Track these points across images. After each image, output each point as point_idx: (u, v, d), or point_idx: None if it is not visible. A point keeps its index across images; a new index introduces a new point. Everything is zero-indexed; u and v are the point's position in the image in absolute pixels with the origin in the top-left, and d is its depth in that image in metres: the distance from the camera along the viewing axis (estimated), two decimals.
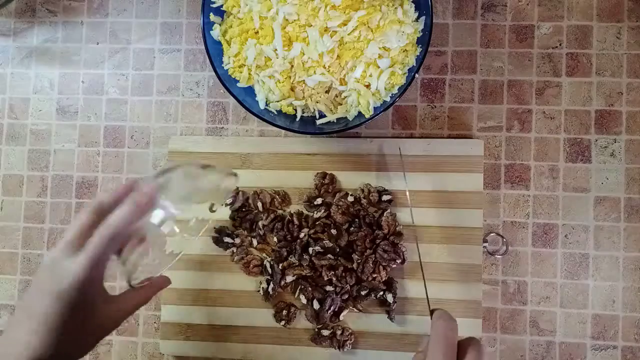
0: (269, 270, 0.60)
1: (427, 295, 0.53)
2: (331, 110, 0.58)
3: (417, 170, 0.60)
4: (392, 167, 0.61)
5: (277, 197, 0.61)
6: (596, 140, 0.60)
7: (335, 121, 0.58)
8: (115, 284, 0.64)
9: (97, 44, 0.66)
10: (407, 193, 0.59)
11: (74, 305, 0.41)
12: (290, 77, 0.57)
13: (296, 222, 0.60)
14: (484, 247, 0.60)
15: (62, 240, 0.42)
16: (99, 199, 0.44)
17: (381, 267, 0.58)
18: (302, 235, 0.60)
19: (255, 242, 0.61)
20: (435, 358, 0.41)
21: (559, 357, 0.59)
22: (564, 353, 0.59)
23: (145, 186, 0.44)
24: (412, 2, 0.56)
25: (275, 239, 0.61)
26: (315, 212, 0.60)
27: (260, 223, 0.61)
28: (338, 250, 0.59)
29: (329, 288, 0.59)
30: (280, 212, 0.62)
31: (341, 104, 0.58)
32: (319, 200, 0.60)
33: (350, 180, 0.61)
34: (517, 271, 0.60)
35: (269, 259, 0.61)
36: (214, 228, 0.62)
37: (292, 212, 0.61)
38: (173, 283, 0.61)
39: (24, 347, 0.40)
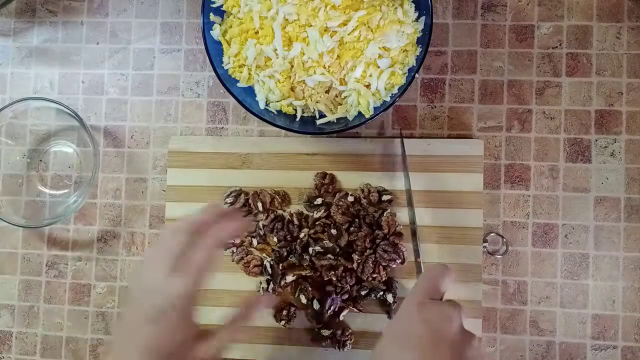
0: (269, 270, 0.60)
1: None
2: (331, 110, 0.58)
3: (417, 170, 0.60)
4: (392, 166, 0.61)
5: (277, 197, 0.61)
6: (596, 140, 0.60)
7: (335, 121, 0.57)
8: None
9: (97, 44, 0.66)
10: (409, 191, 0.59)
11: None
12: (290, 77, 0.56)
13: (296, 222, 0.60)
14: (484, 247, 0.60)
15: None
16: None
17: (381, 267, 0.58)
18: (302, 235, 0.60)
19: (255, 242, 0.61)
20: (416, 290, 0.45)
21: (559, 357, 0.59)
22: (564, 353, 0.59)
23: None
24: (412, 2, 0.56)
25: (275, 239, 0.61)
26: (315, 212, 0.60)
27: (260, 223, 0.61)
28: (338, 250, 0.59)
29: (329, 288, 0.59)
30: (280, 212, 0.62)
31: (341, 104, 0.58)
32: (319, 200, 0.60)
33: (350, 180, 0.61)
34: (517, 271, 0.60)
35: (269, 259, 0.61)
36: None
37: (292, 212, 0.61)
38: None
39: None
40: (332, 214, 0.60)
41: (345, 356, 0.59)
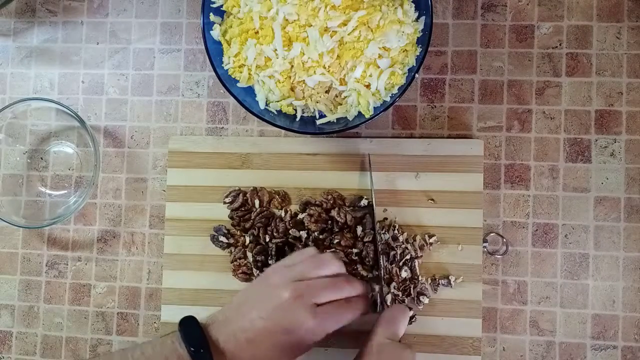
0: (255, 276, 0.60)
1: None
2: (331, 110, 0.58)
3: (417, 170, 0.60)
4: (392, 167, 0.61)
5: (277, 196, 0.61)
6: (596, 140, 0.60)
7: (335, 121, 0.58)
8: None
9: (97, 44, 0.66)
10: (373, 194, 0.59)
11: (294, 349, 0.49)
12: (290, 77, 0.56)
13: (281, 225, 0.60)
14: (484, 247, 0.60)
15: (307, 289, 0.49)
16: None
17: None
18: (267, 239, 0.60)
19: (247, 239, 0.61)
20: (375, 330, 0.51)
21: (559, 357, 0.59)
22: (564, 353, 0.59)
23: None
24: (412, 2, 0.56)
25: (267, 239, 0.61)
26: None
27: (257, 225, 0.61)
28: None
29: None
30: (278, 212, 0.62)
31: (341, 104, 0.58)
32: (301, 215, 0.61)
33: (350, 180, 0.61)
34: (517, 271, 0.60)
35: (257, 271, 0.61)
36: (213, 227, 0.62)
37: (282, 214, 0.61)
38: (173, 283, 0.62)
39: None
40: (305, 224, 0.60)
41: (344, 356, 0.59)
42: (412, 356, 0.50)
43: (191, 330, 0.48)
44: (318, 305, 0.49)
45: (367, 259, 0.58)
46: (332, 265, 0.52)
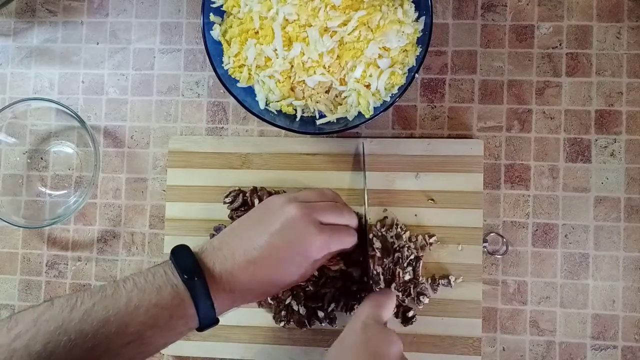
0: None
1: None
2: (331, 110, 0.58)
3: (417, 170, 0.60)
4: (392, 166, 0.61)
5: None
6: (596, 140, 0.60)
7: (335, 121, 0.58)
8: None
9: (97, 44, 0.66)
10: (366, 192, 0.59)
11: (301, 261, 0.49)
12: (290, 77, 0.56)
13: None
14: (484, 247, 0.60)
15: (313, 207, 0.50)
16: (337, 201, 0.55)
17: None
18: None
19: None
20: (361, 310, 0.50)
21: (559, 357, 0.59)
22: (564, 353, 0.59)
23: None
24: (412, 2, 0.56)
25: None
26: None
27: None
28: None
29: (324, 290, 0.58)
30: None
31: (341, 104, 0.58)
32: None
33: (350, 180, 0.61)
34: (517, 271, 0.60)
35: None
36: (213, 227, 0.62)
37: None
38: None
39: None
40: None
41: None
42: (396, 339, 0.47)
43: (184, 258, 0.46)
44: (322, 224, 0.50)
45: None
46: (329, 193, 0.54)
